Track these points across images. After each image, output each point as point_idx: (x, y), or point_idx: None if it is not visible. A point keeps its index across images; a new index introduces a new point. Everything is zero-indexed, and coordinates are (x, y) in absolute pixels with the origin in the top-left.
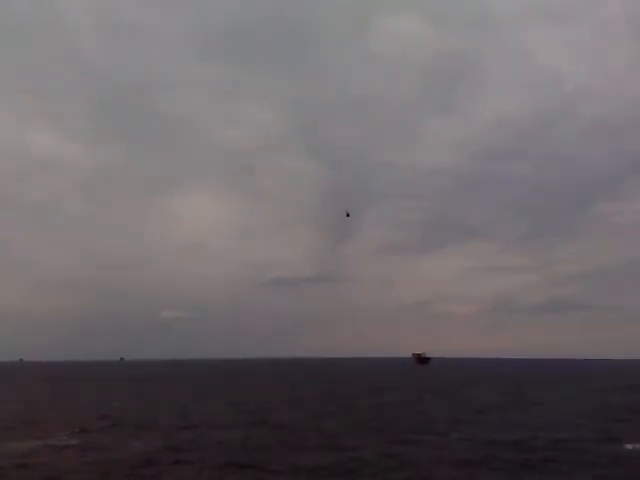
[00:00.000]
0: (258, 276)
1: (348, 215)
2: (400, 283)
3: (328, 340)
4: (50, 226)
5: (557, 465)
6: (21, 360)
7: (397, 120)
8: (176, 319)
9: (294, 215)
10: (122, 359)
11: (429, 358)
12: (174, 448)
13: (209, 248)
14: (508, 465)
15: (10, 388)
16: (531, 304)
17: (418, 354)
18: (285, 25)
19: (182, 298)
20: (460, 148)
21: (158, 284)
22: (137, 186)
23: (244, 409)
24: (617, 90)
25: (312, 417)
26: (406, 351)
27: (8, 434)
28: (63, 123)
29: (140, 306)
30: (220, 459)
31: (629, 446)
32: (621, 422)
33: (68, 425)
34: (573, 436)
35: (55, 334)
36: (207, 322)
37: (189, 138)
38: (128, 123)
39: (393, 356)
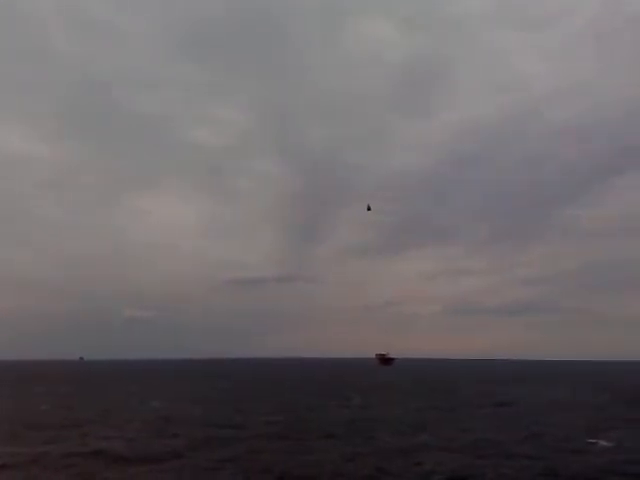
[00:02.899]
0: (224, 276)
1: (369, 209)
2: (367, 284)
3: (293, 340)
4: (16, 225)
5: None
6: None
7: (367, 122)
8: (139, 318)
9: (262, 216)
10: (81, 358)
11: (393, 359)
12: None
13: (176, 247)
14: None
15: None
16: (494, 306)
17: (382, 354)
18: (257, 25)
19: (146, 297)
20: (429, 151)
21: (123, 283)
22: (105, 185)
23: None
24: (584, 96)
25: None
26: (371, 352)
27: None
28: (31, 121)
29: (103, 305)
30: None
31: (591, 440)
32: (585, 419)
33: None
34: (541, 431)
35: (16, 332)
36: (171, 322)
37: (158, 137)
38: (97, 122)
39: (358, 356)
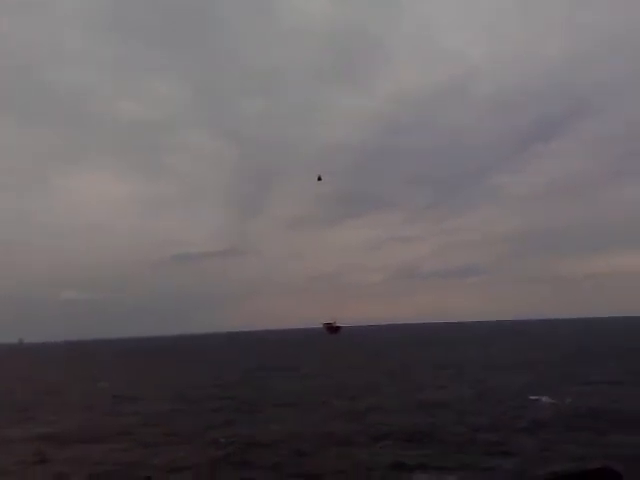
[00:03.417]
0: (163, 253)
1: (320, 179)
2: (309, 256)
3: (238, 315)
4: None
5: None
6: None
7: (303, 95)
8: (78, 300)
9: (201, 192)
10: (21, 341)
11: (339, 327)
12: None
13: (111, 227)
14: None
15: None
16: (433, 271)
17: (329, 323)
18: (190, 1)
19: (85, 278)
20: (364, 122)
21: (59, 265)
22: (32, 165)
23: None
24: (509, 70)
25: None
26: (318, 322)
27: None
28: None
29: (41, 288)
30: None
31: (533, 397)
32: (524, 377)
33: None
34: (484, 390)
35: None
36: (110, 302)
37: (89, 114)
38: (20, 98)
39: (305, 327)
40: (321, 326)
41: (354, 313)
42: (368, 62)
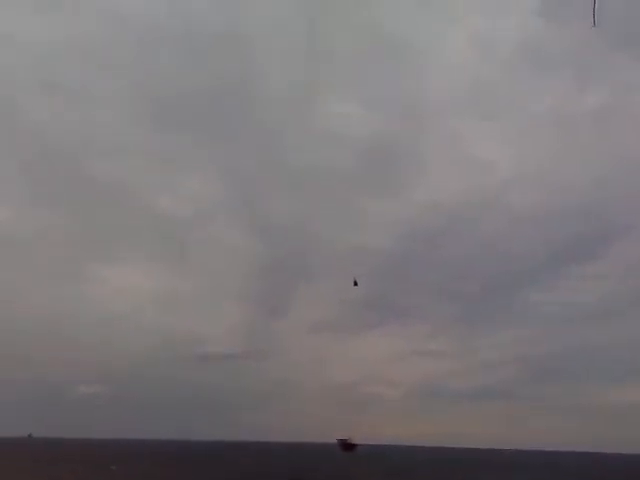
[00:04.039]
0: (184, 351)
1: (356, 284)
2: (329, 363)
3: (251, 422)
4: None
5: None
6: None
7: (333, 197)
8: (93, 394)
9: (225, 288)
10: (30, 436)
11: (355, 445)
12: None
13: (135, 319)
14: None
15: None
16: (456, 390)
17: (343, 440)
18: (226, 101)
19: (101, 372)
20: (394, 228)
21: (77, 357)
22: (64, 252)
23: None
24: (543, 184)
25: None
26: (332, 434)
27: None
28: None
29: (56, 378)
30: None
31: None
32: None
33: None
34: None
35: None
36: (127, 398)
37: (121, 205)
38: (59, 187)
39: (318, 440)
40: (335, 441)
41: (371, 429)
42: (400, 169)
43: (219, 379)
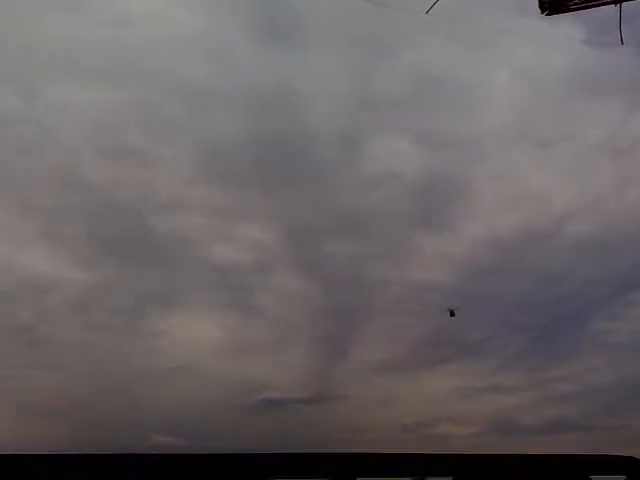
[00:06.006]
0: (248, 398)
1: (453, 314)
2: (395, 403)
3: None
4: (38, 349)
5: None
6: None
7: (387, 236)
8: (166, 445)
9: (287, 333)
10: None
11: None
12: None
13: (200, 369)
14: None
15: None
16: (530, 425)
17: None
18: (276, 151)
19: (170, 423)
20: (452, 264)
21: (144, 408)
22: (131, 306)
23: None
24: (602, 209)
25: None
26: None
27: None
28: (56, 241)
29: (125, 434)
30: None
31: None
32: None
33: None
34: None
35: None
36: (196, 448)
37: (183, 257)
38: (124, 241)
39: None
40: None
41: None
42: (456, 203)
43: (284, 425)
